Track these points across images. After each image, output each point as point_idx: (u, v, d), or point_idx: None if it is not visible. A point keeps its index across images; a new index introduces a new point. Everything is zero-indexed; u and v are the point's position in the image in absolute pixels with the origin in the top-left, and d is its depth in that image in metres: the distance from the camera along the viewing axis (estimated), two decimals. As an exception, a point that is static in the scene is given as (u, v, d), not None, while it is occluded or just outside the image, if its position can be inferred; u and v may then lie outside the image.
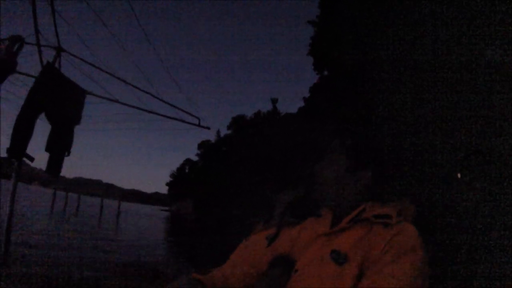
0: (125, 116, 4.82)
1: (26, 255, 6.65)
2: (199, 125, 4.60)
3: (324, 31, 14.36)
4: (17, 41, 1.16)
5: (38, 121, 3.34)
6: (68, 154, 3.86)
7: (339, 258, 0.72)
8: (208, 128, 4.86)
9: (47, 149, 3.63)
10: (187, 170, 71.90)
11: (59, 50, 3.78)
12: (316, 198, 0.88)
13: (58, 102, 3.55)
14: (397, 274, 0.64)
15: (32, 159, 3.35)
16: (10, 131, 3.16)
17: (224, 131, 56.89)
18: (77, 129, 3.94)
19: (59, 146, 3.71)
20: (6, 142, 3.14)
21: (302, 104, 21.17)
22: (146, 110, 4.52)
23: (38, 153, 3.43)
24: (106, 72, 4.13)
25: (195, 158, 67.63)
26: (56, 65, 3.75)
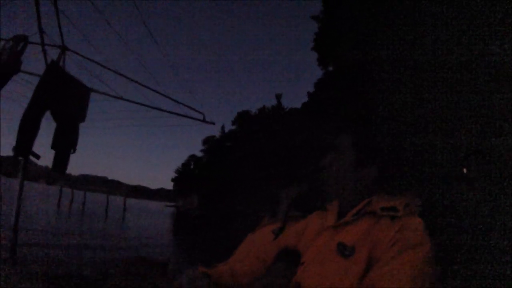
0: (130, 113, 4.83)
1: (33, 253, 6.68)
2: (203, 121, 4.57)
3: (327, 27, 14.37)
4: (21, 40, 1.16)
5: (43, 119, 3.37)
6: (74, 152, 3.87)
7: (345, 250, 0.72)
8: (213, 123, 4.82)
9: (52, 147, 3.63)
10: (192, 166, 72.01)
11: (63, 48, 3.78)
12: (322, 193, 0.88)
13: (63, 100, 3.55)
14: (404, 266, 0.64)
15: (38, 157, 3.37)
16: (16, 130, 3.19)
17: (228, 127, 57.03)
18: (82, 126, 3.96)
19: (65, 143, 3.71)
20: (12, 141, 3.18)
21: (306, 99, 21.19)
22: (150, 107, 4.51)
23: (44, 151, 3.46)
24: (110, 70, 4.13)
25: (200, 154, 67.80)
26: (61, 63, 3.76)
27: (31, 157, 3.38)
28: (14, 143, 3.12)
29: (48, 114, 3.45)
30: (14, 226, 3.40)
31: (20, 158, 3.44)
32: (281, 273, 0.83)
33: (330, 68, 15.76)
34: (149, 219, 29.43)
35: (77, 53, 3.89)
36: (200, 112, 4.54)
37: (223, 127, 58.04)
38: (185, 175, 72.20)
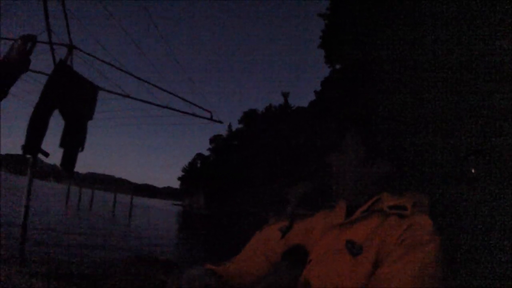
0: (137, 111, 4.82)
1: (37, 252, 6.70)
2: (211, 119, 4.55)
3: (334, 24, 14.37)
4: (29, 40, 1.16)
5: (52, 117, 3.39)
6: (82, 150, 3.86)
7: (353, 248, 0.72)
8: (221, 122, 4.79)
9: (61, 145, 3.65)
10: (199, 165, 72.07)
11: (71, 47, 3.79)
12: (330, 191, 0.88)
13: (71, 99, 3.57)
14: (412, 265, 0.64)
15: (47, 155, 3.36)
16: (24, 128, 3.20)
17: (235, 125, 57.03)
18: (89, 124, 3.97)
19: (73, 141, 3.72)
20: (21, 139, 3.20)
21: (313, 97, 21.18)
22: (158, 105, 4.49)
23: (52, 149, 3.47)
24: (118, 68, 4.12)
25: (206, 153, 67.94)
26: (68, 62, 3.77)
27: (40, 155, 3.39)
28: (23, 142, 3.15)
29: (56, 112, 3.48)
30: (23, 224, 3.40)
31: (29, 156, 3.45)
32: (288, 272, 0.82)
33: (337, 66, 15.73)
34: (155, 218, 29.44)
35: (84, 52, 3.89)
36: (207, 111, 4.52)
37: (230, 126, 58.04)
38: (192, 173, 72.31)
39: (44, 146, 3.31)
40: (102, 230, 13.36)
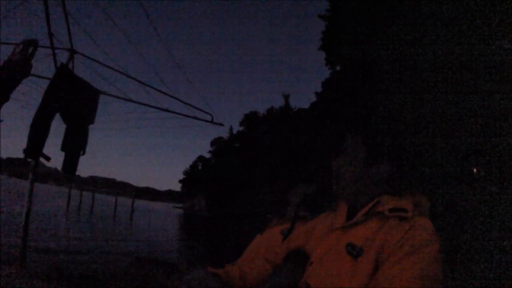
0: (138, 114, 4.86)
1: (38, 253, 6.70)
2: (212, 122, 4.58)
3: (334, 26, 14.36)
4: (31, 44, 1.17)
5: (53, 121, 3.39)
6: (84, 153, 3.89)
7: (354, 251, 0.72)
8: (222, 124, 4.82)
9: (62, 149, 3.67)
10: (200, 167, 72.17)
11: (72, 52, 3.82)
12: (332, 192, 0.88)
13: (72, 103, 3.59)
14: (414, 267, 0.64)
15: (48, 159, 3.38)
16: (26, 132, 3.21)
17: (236, 128, 57.06)
18: (91, 128, 4.00)
19: (75, 145, 3.75)
20: (23, 143, 3.20)
21: (314, 99, 21.23)
22: (159, 108, 4.52)
23: (53, 152, 3.48)
24: (119, 72, 4.15)
25: (208, 156, 68.05)
26: (70, 66, 3.78)
27: (41, 159, 3.41)
28: (24, 145, 3.16)
29: (58, 116, 3.49)
30: (24, 227, 3.41)
31: (31, 159, 3.46)
32: (289, 274, 0.83)
33: (338, 68, 15.74)
34: (157, 220, 29.43)
35: (86, 56, 3.92)
36: (208, 113, 4.56)
37: (231, 128, 58.16)
38: (193, 176, 72.43)
39: (46, 149, 3.32)
40: (103, 232, 13.37)
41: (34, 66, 1.21)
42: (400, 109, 7.01)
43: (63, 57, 3.80)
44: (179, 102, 4.49)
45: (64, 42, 3.80)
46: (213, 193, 51.69)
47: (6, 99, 1.15)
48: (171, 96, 4.42)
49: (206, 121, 4.59)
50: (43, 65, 3.81)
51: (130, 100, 4.37)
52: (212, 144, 64.13)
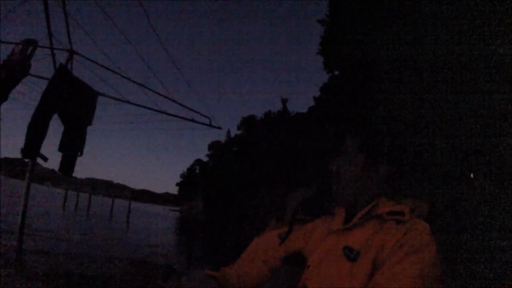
0: (136, 116, 4.85)
1: (35, 254, 6.70)
2: (210, 125, 4.58)
3: (333, 30, 14.36)
4: (31, 44, 1.17)
5: (51, 122, 3.39)
6: (81, 154, 3.87)
7: (351, 254, 0.72)
8: (219, 128, 4.81)
9: (60, 149, 3.66)
10: (197, 171, 72.24)
11: (71, 52, 3.82)
12: (330, 195, 0.89)
13: (70, 103, 3.59)
14: (409, 270, 0.64)
15: (45, 159, 3.37)
16: (24, 132, 3.21)
17: (234, 131, 57.17)
18: (89, 129, 3.99)
19: (72, 146, 3.74)
20: (20, 143, 3.20)
21: (312, 104, 21.29)
22: (157, 111, 4.51)
23: (51, 153, 3.47)
24: (117, 74, 4.14)
25: (205, 159, 68.05)
26: (69, 67, 3.78)
27: (39, 159, 3.40)
28: (22, 145, 3.15)
29: (56, 117, 3.48)
30: (20, 228, 3.40)
31: (28, 160, 3.46)
32: (287, 277, 0.83)
33: (336, 72, 15.77)
34: (153, 223, 29.44)
35: (85, 57, 3.91)
36: (206, 117, 4.56)
37: (228, 132, 58.24)
38: (190, 179, 72.54)
39: (43, 150, 3.31)
40: (100, 234, 13.34)
41: (33, 66, 1.21)
42: (400, 109, 7.01)
43: (62, 57, 3.80)
44: (177, 104, 4.49)
45: (63, 42, 3.80)
46: (211, 196, 51.80)
47: (5, 98, 1.15)
48: (169, 99, 4.42)
49: (204, 124, 4.59)
50: (42, 65, 3.81)
51: (128, 102, 4.37)
52: (209, 147, 64.25)
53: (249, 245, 1.30)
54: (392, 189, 0.81)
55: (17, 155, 3.30)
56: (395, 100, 7.35)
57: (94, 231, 13.93)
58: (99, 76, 4.11)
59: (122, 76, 4.17)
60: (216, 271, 0.88)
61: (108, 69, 4.11)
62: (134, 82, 4.23)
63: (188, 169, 77.99)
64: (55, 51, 3.80)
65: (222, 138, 60.09)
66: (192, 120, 4.54)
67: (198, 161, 74.38)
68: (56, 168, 3.73)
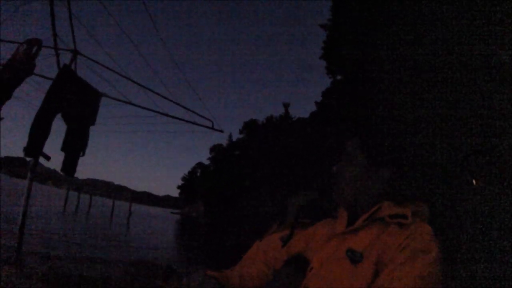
0: (139, 118, 4.84)
1: (35, 254, 6.70)
2: (212, 128, 4.57)
3: (335, 35, 14.37)
4: (35, 44, 1.17)
5: (54, 121, 3.40)
6: (83, 154, 3.88)
7: (354, 256, 0.73)
8: (221, 131, 4.80)
9: (62, 149, 3.67)
10: (198, 174, 72.25)
11: (75, 53, 3.81)
12: (331, 199, 0.89)
13: (74, 103, 3.60)
14: (412, 273, 0.65)
15: (48, 158, 3.39)
16: (27, 131, 3.21)
17: (236, 135, 57.32)
18: (91, 130, 3.99)
19: (75, 146, 3.75)
20: (23, 141, 3.21)
21: (314, 108, 21.31)
22: (159, 113, 4.49)
23: (53, 153, 3.48)
24: (121, 75, 4.13)
25: (206, 162, 68.06)
26: (72, 67, 3.79)
27: (41, 158, 3.41)
28: (24, 144, 3.16)
29: (59, 116, 3.49)
30: (21, 227, 3.40)
31: (30, 159, 3.46)
32: (289, 279, 0.83)
33: (338, 77, 15.79)
34: (154, 225, 29.48)
35: (88, 58, 3.91)
36: (209, 120, 4.55)
37: (230, 136, 58.30)
38: (192, 182, 72.60)
39: (46, 149, 3.32)
40: (100, 235, 13.34)
41: (37, 65, 1.21)
42: (400, 109, 7.01)
43: (66, 57, 3.80)
44: (179, 107, 4.48)
45: (67, 42, 3.80)
46: (212, 199, 51.86)
47: (8, 97, 1.16)
48: (172, 101, 4.41)
49: (207, 127, 4.58)
50: (46, 65, 3.81)
51: (131, 104, 4.36)
52: (211, 150, 64.27)
53: (250, 248, 1.31)
54: (392, 189, 0.81)
55: (20, 154, 3.30)
56: (395, 100, 7.35)
57: (95, 232, 13.93)
58: (103, 77, 4.11)
59: (125, 78, 4.16)
60: (217, 272, 0.88)
61: (111, 70, 4.11)
62: (137, 83, 4.23)
63: (189, 172, 78.12)
64: (59, 51, 3.80)
65: (224, 142, 60.20)
66: (195, 123, 4.54)
67: (199, 164, 74.54)
68: (58, 168, 3.73)
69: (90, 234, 13.10)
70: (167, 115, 4.52)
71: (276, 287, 0.82)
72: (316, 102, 19.74)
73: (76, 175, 3.94)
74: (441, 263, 0.68)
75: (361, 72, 10.11)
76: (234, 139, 57.48)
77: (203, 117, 4.54)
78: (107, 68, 4.09)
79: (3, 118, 1.22)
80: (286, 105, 44.58)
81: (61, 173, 3.77)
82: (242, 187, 37.77)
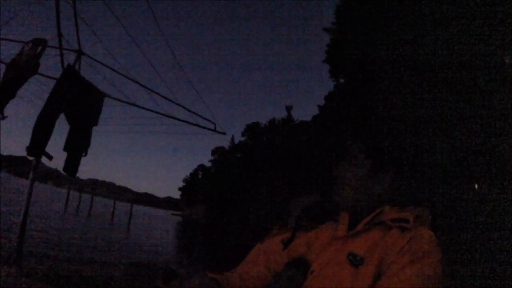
0: (141, 119, 4.85)
1: (35, 253, 6.70)
2: (215, 130, 4.57)
3: (339, 38, 14.39)
4: (40, 43, 1.18)
5: (57, 121, 3.40)
6: (85, 155, 3.89)
7: (355, 260, 0.73)
8: (224, 133, 4.79)
9: (65, 149, 3.68)
10: (200, 176, 72.27)
11: (79, 53, 3.82)
12: (333, 203, 0.89)
13: (77, 103, 3.61)
14: (413, 277, 0.65)
15: (50, 158, 3.38)
16: (30, 130, 3.21)
17: (238, 138, 57.45)
18: (93, 130, 4.00)
19: (77, 146, 3.75)
20: (25, 141, 3.20)
21: (317, 111, 21.31)
22: (162, 114, 4.50)
23: (55, 152, 3.47)
24: (124, 76, 4.12)
25: (208, 164, 68.04)
26: (76, 67, 3.79)
27: (43, 158, 3.41)
28: (27, 143, 3.16)
29: (62, 116, 3.49)
30: (21, 226, 3.40)
31: (32, 158, 3.46)
32: (290, 281, 0.83)
33: (342, 80, 15.82)
34: (155, 226, 29.51)
35: (93, 58, 3.92)
36: (211, 122, 4.55)
37: (232, 138, 58.48)
38: (193, 184, 72.78)
39: (48, 149, 3.32)
40: (101, 236, 13.34)
41: (41, 65, 1.22)
42: (400, 109, 7.01)
43: (70, 58, 3.81)
44: (182, 109, 4.48)
45: (71, 43, 3.80)
46: (213, 201, 51.92)
47: (12, 96, 1.16)
48: (175, 103, 4.41)
49: (209, 129, 4.58)
50: (50, 65, 3.81)
51: (134, 105, 4.35)
52: (213, 153, 64.36)
53: (251, 250, 1.30)
54: (393, 191, 0.81)
55: (22, 153, 3.30)
56: (395, 100, 7.35)
57: (96, 233, 13.93)
58: (106, 77, 4.11)
59: (129, 79, 4.17)
60: (218, 275, 0.88)
61: (115, 71, 4.11)
62: (140, 84, 4.22)
63: (191, 174, 78.40)
64: (63, 51, 3.80)
65: (226, 144, 60.39)
66: (197, 125, 4.54)
67: (201, 166, 74.74)
68: (60, 168, 3.74)
69: (91, 234, 13.11)
70: (169, 116, 4.52)
71: None
72: (319, 106, 19.77)
73: (77, 175, 3.94)
74: (443, 267, 0.68)
75: (361, 72, 10.11)
76: (236, 141, 57.66)
77: (206, 119, 4.54)
78: (111, 68, 4.10)
79: (6, 117, 1.23)
80: (288, 108, 44.64)
81: (63, 172, 3.78)
82: (243, 189, 37.81)
